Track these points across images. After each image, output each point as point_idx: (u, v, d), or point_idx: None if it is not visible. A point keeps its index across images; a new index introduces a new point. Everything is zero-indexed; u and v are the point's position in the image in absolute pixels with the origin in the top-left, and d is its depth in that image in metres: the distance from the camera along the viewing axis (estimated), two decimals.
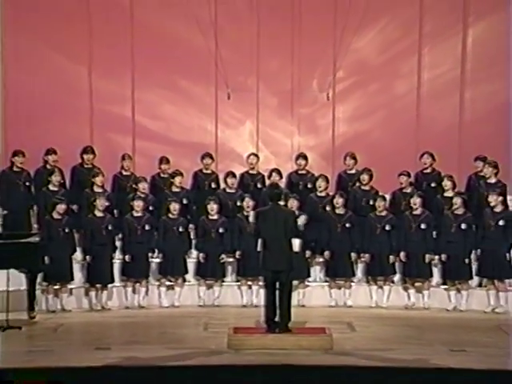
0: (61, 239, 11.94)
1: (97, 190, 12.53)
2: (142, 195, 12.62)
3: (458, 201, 12.31)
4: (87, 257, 12.19)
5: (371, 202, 12.71)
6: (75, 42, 14.30)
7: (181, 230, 12.50)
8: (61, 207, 11.98)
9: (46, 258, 11.59)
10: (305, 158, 13.33)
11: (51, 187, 12.45)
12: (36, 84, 14.27)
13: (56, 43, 14.22)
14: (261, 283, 11.17)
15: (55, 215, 11.99)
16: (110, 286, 12.29)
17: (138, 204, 12.42)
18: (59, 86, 14.30)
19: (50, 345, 9.83)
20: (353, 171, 13.13)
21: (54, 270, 11.80)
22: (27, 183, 12.62)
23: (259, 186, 13.11)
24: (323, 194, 12.85)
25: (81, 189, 12.73)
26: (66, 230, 12.01)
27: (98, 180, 12.58)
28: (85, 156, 12.94)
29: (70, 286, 12.16)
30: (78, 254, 12.25)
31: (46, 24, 14.17)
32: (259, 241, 9.99)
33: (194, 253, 12.67)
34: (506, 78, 14.22)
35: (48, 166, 12.71)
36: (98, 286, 12.23)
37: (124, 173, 13.10)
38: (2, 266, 10.83)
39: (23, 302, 11.17)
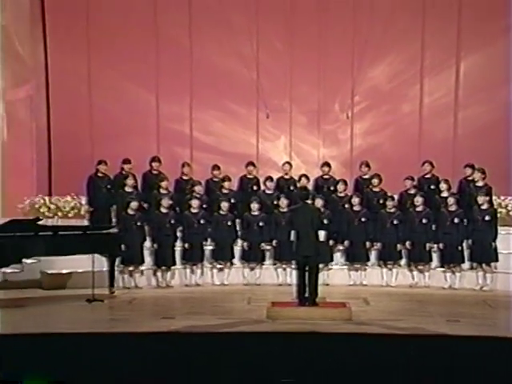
0: (134, 231, 11.97)
1: (162, 191, 12.55)
2: (198, 196, 12.63)
3: (452, 200, 12.25)
4: (155, 244, 12.23)
5: (381, 201, 12.67)
6: (146, 75, 14.43)
7: (229, 223, 12.50)
8: (134, 205, 12.05)
9: (122, 246, 11.66)
10: (328, 165, 13.29)
11: (127, 189, 12.48)
12: (116, 108, 14.39)
13: (131, 76, 14.32)
14: (293, 266, 11.13)
15: (130, 211, 12.04)
16: (172, 267, 12.33)
17: (195, 203, 12.44)
18: (133, 109, 14.41)
19: (126, 314, 9.94)
20: (367, 176, 13.02)
21: (128, 255, 11.87)
22: (108, 186, 12.65)
23: (292, 188, 13.03)
24: (343, 195, 12.81)
25: (150, 191, 12.74)
26: (138, 224, 12.04)
27: (164, 184, 12.60)
28: (153, 164, 12.94)
29: (141, 268, 12.19)
30: (147, 243, 12.28)
31: (124, 61, 14.29)
32: (292, 232, 10.00)
33: (240, 242, 12.66)
34: (491, 102, 14.13)
35: (124, 173, 12.72)
36: (163, 267, 12.27)
37: (184, 178, 13.07)
38: (88, 252, 10.96)
39: (105, 280, 11.25)
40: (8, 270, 11.08)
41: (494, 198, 12.59)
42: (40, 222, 10.94)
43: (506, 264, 12.10)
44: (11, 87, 13.65)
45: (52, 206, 13.04)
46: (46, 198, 13.24)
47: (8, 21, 13.52)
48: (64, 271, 11.77)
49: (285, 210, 12.20)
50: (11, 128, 13.62)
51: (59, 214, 13.00)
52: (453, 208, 12.22)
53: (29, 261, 11.08)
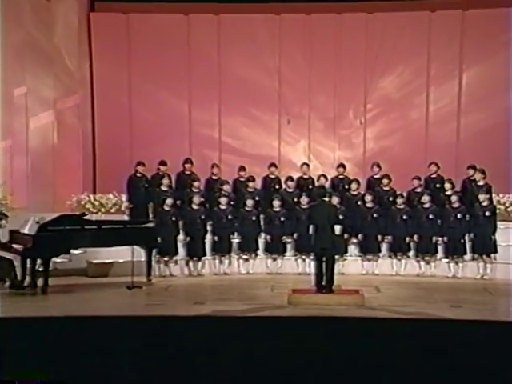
0: (169, 225, 11.93)
1: (194, 190, 12.56)
2: (226, 194, 12.60)
3: (455, 198, 12.15)
4: (187, 237, 12.21)
5: (391, 199, 12.59)
6: (179, 86, 14.53)
7: (254, 218, 12.46)
8: (169, 202, 12.04)
9: (158, 238, 11.59)
10: (343, 166, 13.21)
11: (162, 188, 12.47)
12: (153, 116, 14.51)
13: (167, 87, 14.44)
14: (312, 257, 11.09)
15: (165, 208, 12.02)
16: (203, 258, 12.30)
17: (223, 200, 12.42)
18: (168, 116, 14.52)
19: (162, 300, 9.95)
20: (378, 176, 12.94)
21: (164, 247, 11.84)
22: (146, 185, 12.66)
23: (310, 187, 12.98)
24: (356, 193, 12.74)
25: (183, 189, 12.73)
26: (173, 219, 12.00)
27: (196, 184, 12.60)
28: (186, 165, 12.92)
29: (175, 258, 12.18)
30: (181, 236, 12.25)
31: (160, 74, 14.40)
32: (311, 226, 9.96)
33: (263, 235, 12.61)
34: (490, 110, 14.02)
35: (160, 173, 12.71)
36: (195, 258, 12.25)
37: (213, 177, 13.03)
38: (128, 243, 10.94)
39: (143, 269, 11.23)
40: (58, 260, 11.14)
41: (493, 195, 12.47)
42: (86, 217, 11.00)
43: (505, 255, 11.99)
44: (61, 97, 13.88)
45: (96, 203, 13.09)
46: (91, 196, 13.30)
47: (59, 39, 13.85)
48: (107, 261, 11.82)
49: (305, 206, 12.15)
50: (61, 133, 13.81)
51: (102, 209, 13.04)
52: (456, 205, 12.12)
53: (76, 251, 11.19)
